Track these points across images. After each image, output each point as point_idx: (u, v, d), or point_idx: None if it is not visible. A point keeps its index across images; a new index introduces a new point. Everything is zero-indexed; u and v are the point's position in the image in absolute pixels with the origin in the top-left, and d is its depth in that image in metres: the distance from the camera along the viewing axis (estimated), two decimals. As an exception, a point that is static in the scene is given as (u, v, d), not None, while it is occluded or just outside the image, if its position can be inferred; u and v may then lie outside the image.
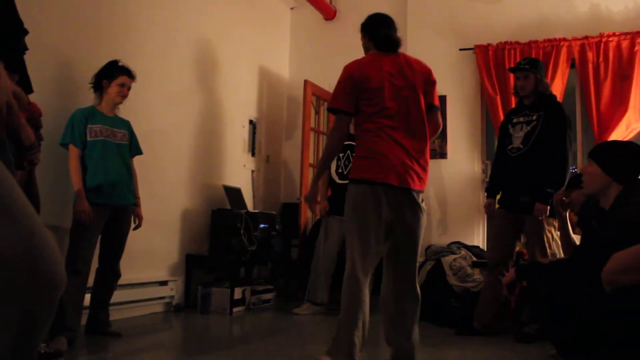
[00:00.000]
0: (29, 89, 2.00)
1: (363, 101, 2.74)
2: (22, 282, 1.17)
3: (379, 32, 2.90)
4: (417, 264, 2.82)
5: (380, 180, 2.65)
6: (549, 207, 3.76)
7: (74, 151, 3.44)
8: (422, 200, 2.78)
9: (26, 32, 1.90)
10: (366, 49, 2.97)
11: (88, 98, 3.69)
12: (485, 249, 5.25)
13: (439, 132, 2.98)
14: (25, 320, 1.19)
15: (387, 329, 2.79)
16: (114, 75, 3.59)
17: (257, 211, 5.46)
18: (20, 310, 1.18)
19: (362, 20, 3.04)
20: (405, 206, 2.70)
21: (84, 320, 3.57)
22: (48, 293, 1.23)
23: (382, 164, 2.66)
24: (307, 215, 6.00)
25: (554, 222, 3.83)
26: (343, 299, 2.67)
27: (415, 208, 2.72)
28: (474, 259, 4.82)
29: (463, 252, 4.93)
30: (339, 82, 2.80)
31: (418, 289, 2.78)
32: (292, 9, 6.84)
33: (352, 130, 2.96)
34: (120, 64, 3.64)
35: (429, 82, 2.84)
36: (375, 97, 2.72)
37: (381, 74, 2.75)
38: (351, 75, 2.76)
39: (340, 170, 5.00)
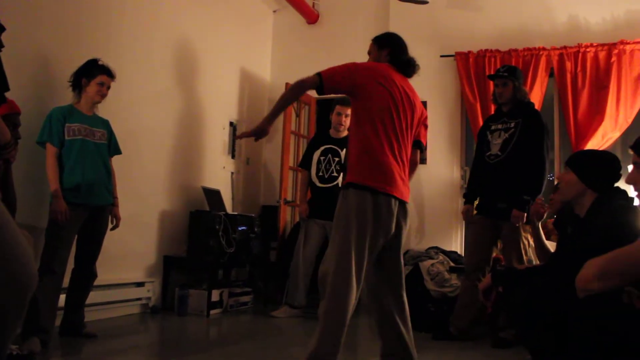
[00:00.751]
0: (4, 87, 1.96)
1: (369, 99, 2.70)
2: None
3: (405, 56, 2.96)
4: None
5: (385, 191, 2.65)
6: (525, 214, 3.80)
7: (51, 150, 3.40)
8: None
9: (3, 29, 1.87)
10: (374, 59, 2.95)
11: (66, 96, 3.65)
12: (463, 255, 5.29)
13: (414, 171, 2.97)
14: None
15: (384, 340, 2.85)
16: (93, 74, 3.56)
17: (236, 213, 5.44)
18: None
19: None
20: (402, 218, 2.76)
21: (58, 321, 3.52)
22: (18, 293, 1.21)
23: (387, 174, 2.66)
24: (286, 219, 5.99)
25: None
26: (334, 298, 2.55)
27: (406, 220, 2.81)
28: (452, 264, 4.85)
29: (441, 257, 4.96)
30: (346, 64, 2.75)
31: (405, 301, 2.87)
32: (274, 11, 6.84)
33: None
34: (100, 62, 3.60)
35: (424, 121, 2.93)
36: (382, 100, 2.69)
37: (393, 84, 2.75)
38: (365, 66, 2.79)
39: (321, 174, 5.00)
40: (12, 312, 1.20)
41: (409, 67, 2.94)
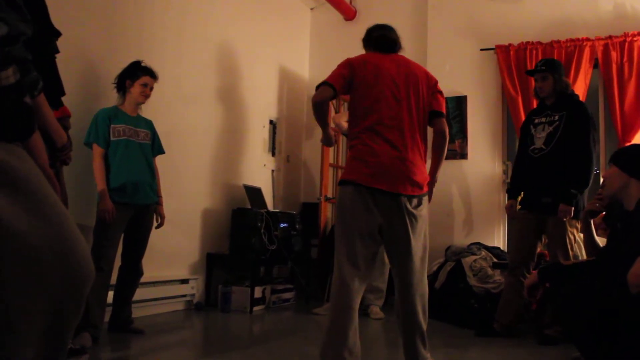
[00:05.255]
0: (61, 92, 2.03)
1: (356, 92, 2.67)
2: (53, 277, 1.19)
3: (374, 33, 2.88)
4: (417, 272, 2.66)
5: (367, 184, 2.55)
6: (572, 208, 3.73)
7: (97, 150, 3.49)
8: (419, 205, 2.63)
9: (59, 34, 1.93)
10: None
11: (111, 98, 3.74)
12: (506, 250, 5.22)
13: (447, 140, 2.77)
14: (56, 315, 1.22)
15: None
16: (137, 75, 3.64)
17: (277, 210, 5.48)
18: (51, 305, 1.20)
19: (382, 21, 3.01)
20: (393, 212, 2.58)
21: (107, 317, 3.62)
22: (77, 288, 1.25)
23: (371, 166, 2.56)
24: (327, 215, 6.00)
25: (577, 224, 3.80)
26: (331, 307, 2.57)
27: (403, 214, 2.58)
28: (495, 260, 4.79)
29: (483, 253, 4.90)
30: (336, 67, 2.73)
31: (416, 302, 2.64)
32: (312, 9, 6.85)
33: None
34: (143, 64, 3.68)
35: (434, 89, 2.76)
36: (369, 92, 2.64)
37: (379, 70, 2.67)
38: (349, 63, 2.72)
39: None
40: (72, 307, 1.24)
41: (385, 42, 2.84)
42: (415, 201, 2.60)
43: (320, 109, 2.67)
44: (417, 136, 2.66)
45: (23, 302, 1.14)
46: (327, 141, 2.85)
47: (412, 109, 2.66)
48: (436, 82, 2.79)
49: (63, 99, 2.33)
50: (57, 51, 1.98)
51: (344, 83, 2.65)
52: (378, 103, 2.63)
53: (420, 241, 2.64)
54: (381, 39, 2.85)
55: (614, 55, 5.13)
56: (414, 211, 2.60)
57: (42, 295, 1.17)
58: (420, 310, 2.66)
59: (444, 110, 2.79)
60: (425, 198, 2.70)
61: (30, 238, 1.14)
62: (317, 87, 2.70)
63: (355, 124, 2.68)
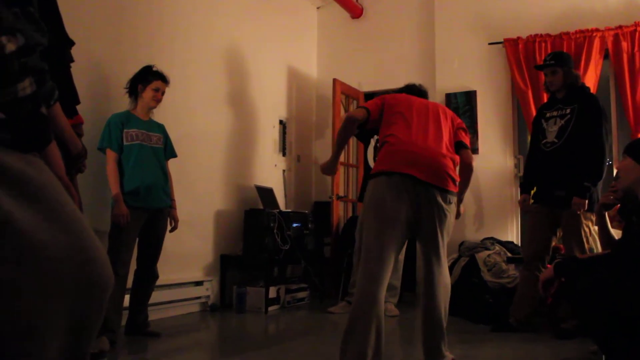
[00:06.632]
0: (76, 101, 2.05)
1: (387, 110, 2.88)
2: (73, 284, 1.21)
3: (413, 86, 3.40)
4: (443, 265, 2.73)
5: (400, 171, 2.60)
6: (586, 201, 3.71)
7: (111, 155, 3.51)
8: (449, 203, 2.68)
9: (72, 44, 1.95)
10: None
11: (122, 103, 3.76)
12: (520, 244, 5.20)
13: (472, 171, 3.01)
14: (77, 322, 1.23)
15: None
16: (148, 80, 3.66)
17: (289, 210, 5.50)
18: (72, 313, 1.21)
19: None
20: (423, 202, 2.62)
21: (123, 321, 3.65)
22: (98, 294, 1.26)
23: (404, 155, 2.66)
24: (339, 214, 6.01)
25: (591, 217, 3.78)
26: (354, 303, 2.56)
27: (432, 205, 2.63)
28: (509, 254, 4.77)
29: (497, 247, 4.89)
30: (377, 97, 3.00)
31: (439, 297, 2.70)
32: (318, 8, 6.85)
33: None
34: (154, 69, 3.70)
35: (459, 127, 2.98)
36: (397, 107, 2.86)
37: (408, 97, 2.97)
38: (382, 98, 2.96)
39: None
40: (93, 314, 1.25)
41: (414, 88, 3.37)
42: (446, 196, 2.67)
43: (351, 126, 2.88)
44: (447, 142, 2.83)
45: (45, 311, 1.15)
46: (330, 168, 3.10)
47: (441, 125, 2.86)
48: (460, 122, 3.03)
49: (75, 105, 2.36)
50: (72, 60, 2.00)
51: (377, 109, 2.88)
52: (410, 111, 2.84)
53: (444, 236, 2.72)
54: (411, 86, 3.38)
55: (624, 45, 5.09)
56: (443, 205, 2.65)
57: (63, 303, 1.18)
58: (442, 306, 2.71)
59: (469, 145, 3.03)
60: (455, 199, 2.75)
61: (51, 248, 1.16)
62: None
63: (387, 128, 2.82)
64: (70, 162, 1.84)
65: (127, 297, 3.65)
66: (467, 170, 2.97)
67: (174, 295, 4.41)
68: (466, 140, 2.97)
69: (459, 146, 2.93)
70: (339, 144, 2.99)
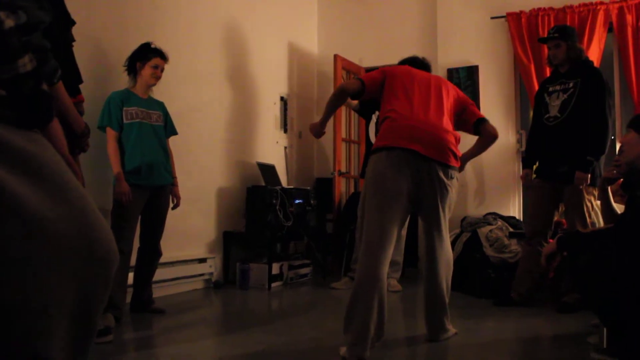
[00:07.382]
0: (78, 80, 2.04)
1: (387, 84, 2.87)
2: (78, 260, 1.21)
3: (416, 58, 3.41)
4: (445, 240, 2.80)
5: (401, 146, 2.62)
6: (589, 176, 3.70)
7: (111, 134, 3.50)
8: (450, 178, 2.72)
9: (73, 23, 1.93)
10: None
11: (121, 81, 3.73)
12: (522, 220, 5.20)
13: (494, 141, 3.09)
14: (84, 298, 1.24)
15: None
16: (147, 57, 3.63)
17: (291, 187, 5.50)
18: (79, 290, 1.22)
19: None
20: (424, 176, 2.66)
21: (128, 298, 3.68)
22: (103, 270, 1.27)
23: (405, 130, 2.66)
24: (341, 190, 6.01)
25: (594, 191, 3.78)
26: (357, 277, 2.57)
27: (433, 179, 2.67)
28: (511, 229, 4.78)
29: (499, 222, 4.89)
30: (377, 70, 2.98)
31: (441, 271, 2.78)
32: (319, -17, 6.78)
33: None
34: (152, 46, 3.67)
35: (464, 102, 3.01)
36: (399, 82, 2.86)
37: (410, 74, 2.93)
38: (383, 71, 2.94)
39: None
40: (99, 289, 1.26)
41: (417, 60, 3.38)
42: (447, 171, 2.69)
43: (341, 96, 2.90)
44: (447, 119, 2.83)
45: (53, 288, 1.16)
46: (317, 132, 3.09)
47: (443, 100, 2.87)
48: (463, 95, 3.08)
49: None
50: (74, 40, 1.98)
51: (375, 83, 2.89)
52: (412, 84, 2.84)
53: (446, 211, 2.76)
54: (414, 58, 3.38)
55: (629, 18, 5.04)
56: (445, 180, 2.68)
57: (71, 280, 1.19)
58: (445, 281, 2.73)
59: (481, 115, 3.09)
60: (456, 174, 2.77)
61: (57, 224, 1.16)
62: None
63: (388, 103, 2.82)
64: (74, 141, 1.84)
65: (131, 275, 3.67)
66: (491, 140, 3.04)
67: (178, 272, 4.43)
68: (479, 112, 3.05)
69: (479, 122, 2.99)
70: (328, 111, 2.97)
